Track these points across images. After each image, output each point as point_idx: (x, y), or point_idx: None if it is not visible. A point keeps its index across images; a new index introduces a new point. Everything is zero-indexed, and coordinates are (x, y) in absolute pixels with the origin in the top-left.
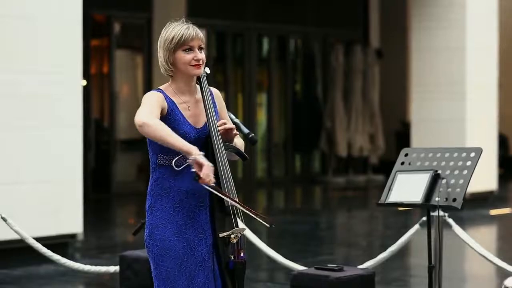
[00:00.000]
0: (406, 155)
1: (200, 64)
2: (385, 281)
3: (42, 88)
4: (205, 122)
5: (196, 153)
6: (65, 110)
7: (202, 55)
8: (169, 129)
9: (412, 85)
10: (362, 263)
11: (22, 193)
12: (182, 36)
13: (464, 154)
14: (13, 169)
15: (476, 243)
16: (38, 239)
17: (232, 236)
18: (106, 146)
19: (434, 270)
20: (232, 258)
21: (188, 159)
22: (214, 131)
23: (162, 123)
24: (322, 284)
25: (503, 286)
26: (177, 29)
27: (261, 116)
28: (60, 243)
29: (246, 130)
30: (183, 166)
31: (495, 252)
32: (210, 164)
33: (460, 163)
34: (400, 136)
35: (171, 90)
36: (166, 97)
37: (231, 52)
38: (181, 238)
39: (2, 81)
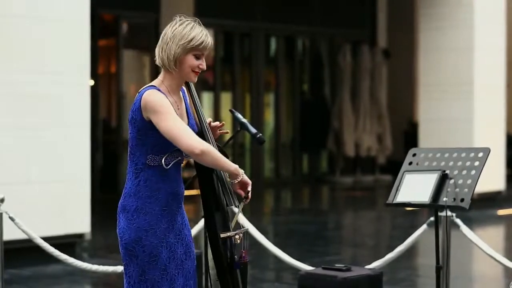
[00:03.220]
0: (414, 155)
1: (199, 73)
2: (393, 281)
3: (49, 88)
4: (189, 121)
5: (241, 172)
6: (72, 110)
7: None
8: (218, 152)
9: (420, 85)
10: (369, 263)
11: (30, 193)
12: (202, 42)
13: (472, 154)
14: (21, 169)
15: (484, 243)
16: (45, 239)
17: (236, 236)
18: (114, 146)
19: (441, 270)
20: (237, 258)
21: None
22: (206, 129)
23: (212, 147)
24: (329, 284)
25: (510, 286)
26: (197, 31)
27: (269, 116)
28: (67, 243)
29: (253, 130)
30: (172, 163)
31: (502, 252)
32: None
33: (468, 163)
34: (408, 136)
35: (165, 88)
36: (166, 96)
37: (238, 52)
38: (164, 244)
39: (10, 81)
